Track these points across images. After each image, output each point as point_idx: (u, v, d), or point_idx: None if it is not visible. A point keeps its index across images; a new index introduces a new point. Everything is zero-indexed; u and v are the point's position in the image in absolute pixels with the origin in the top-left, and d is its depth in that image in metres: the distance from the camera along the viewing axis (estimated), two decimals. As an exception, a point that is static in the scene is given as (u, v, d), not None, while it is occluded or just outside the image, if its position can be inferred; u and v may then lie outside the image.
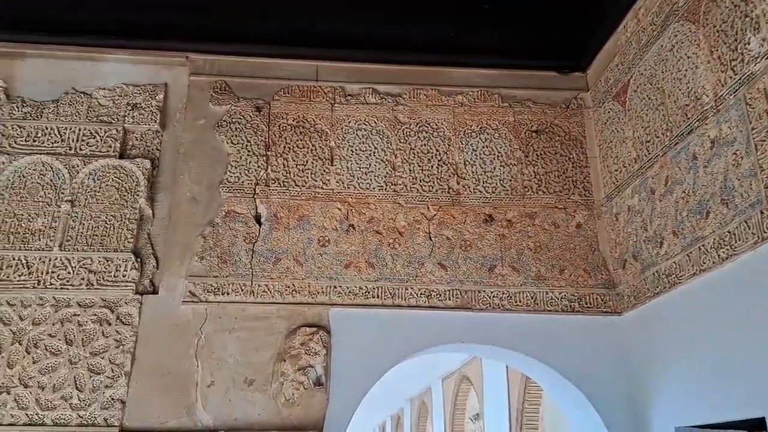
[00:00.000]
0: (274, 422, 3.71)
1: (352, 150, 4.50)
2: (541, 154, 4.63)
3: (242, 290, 4.03)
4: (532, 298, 4.18)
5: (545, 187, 4.52)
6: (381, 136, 4.56)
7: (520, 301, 4.16)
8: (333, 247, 4.20)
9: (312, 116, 4.57)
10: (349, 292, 4.08)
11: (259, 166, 4.37)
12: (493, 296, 4.15)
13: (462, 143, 4.60)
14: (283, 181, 4.35)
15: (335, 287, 4.09)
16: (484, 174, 4.51)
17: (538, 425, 6.85)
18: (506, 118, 4.71)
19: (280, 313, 4.00)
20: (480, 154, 4.58)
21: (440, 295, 4.11)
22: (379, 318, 4.03)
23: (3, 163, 4.22)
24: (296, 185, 4.35)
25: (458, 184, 4.46)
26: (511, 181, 4.51)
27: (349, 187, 4.38)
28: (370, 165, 4.46)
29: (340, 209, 4.30)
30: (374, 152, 4.51)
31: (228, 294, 4.01)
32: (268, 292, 4.04)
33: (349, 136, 4.54)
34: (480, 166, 4.54)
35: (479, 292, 4.15)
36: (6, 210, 4.12)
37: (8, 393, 3.72)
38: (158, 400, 3.75)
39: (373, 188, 4.39)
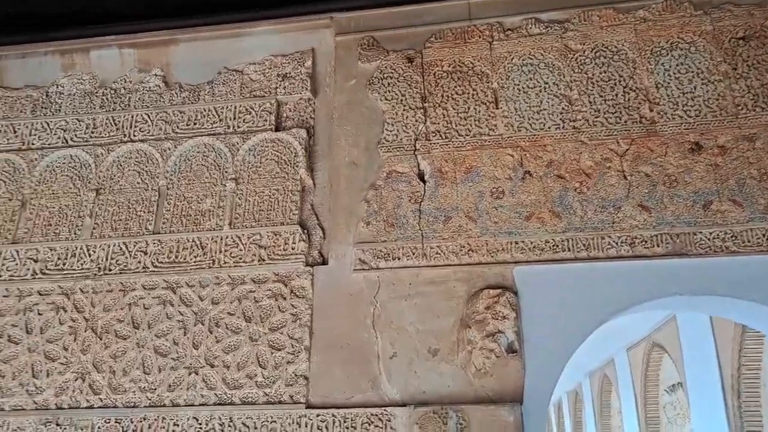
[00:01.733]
0: (466, 394, 3.34)
1: (518, 89, 3.98)
2: (753, 65, 3.78)
3: (413, 254, 3.70)
4: (763, 235, 3.39)
5: (764, 103, 3.68)
6: (551, 69, 3.99)
7: (748, 241, 3.39)
8: (509, 199, 3.72)
9: (469, 59, 4.11)
10: (534, 246, 3.58)
11: (417, 120, 4.01)
12: (713, 237, 3.42)
13: (650, 64, 3.88)
14: (445, 133, 3.95)
15: (517, 243, 3.61)
16: (682, 96, 3.77)
17: (759, 392, 5.86)
18: (702, 28, 3.91)
19: (457, 276, 3.62)
20: (674, 73, 3.84)
21: (646, 242, 3.47)
22: (574, 274, 3.49)
23: (169, 149, 4.26)
24: (459, 135, 3.93)
25: (651, 111, 3.77)
26: (718, 100, 3.73)
27: (519, 130, 3.87)
28: (541, 102, 3.92)
29: (512, 155, 3.81)
30: (545, 88, 3.95)
31: (399, 259, 3.70)
32: (442, 254, 3.67)
33: (513, 74, 4.02)
34: (676, 87, 3.80)
35: (695, 234, 3.45)
36: (176, 194, 4.15)
37: (196, 373, 3.72)
38: (341, 374, 3.55)
39: (549, 128, 3.84)
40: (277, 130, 4.19)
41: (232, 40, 4.49)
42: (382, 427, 3.34)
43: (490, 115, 3.94)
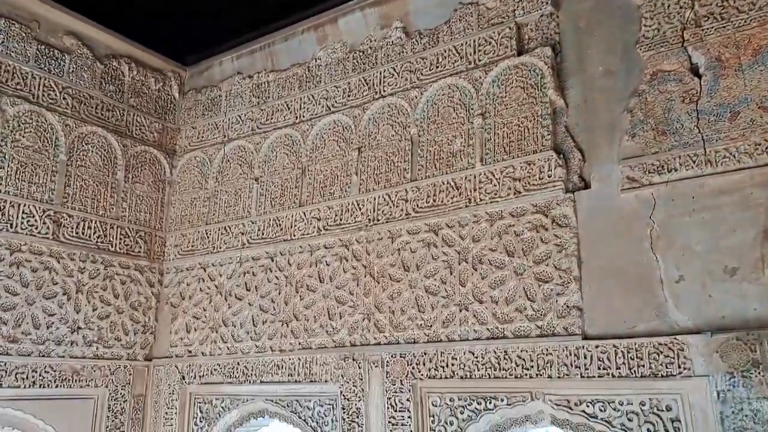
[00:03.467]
0: (780, 317, 2.76)
1: (819, -66, 3.08)
2: None
3: (693, 162, 3.16)
4: None
5: None
6: None
7: None
8: (820, 74, 2.93)
9: None
10: None
11: (681, 6, 3.39)
12: None
13: None
14: (720, 14, 3.27)
15: (837, 128, 2.83)
16: None
17: None
18: None
19: (755, 181, 2.99)
20: None
21: None
22: None
23: (416, 97, 4.33)
24: (740, 12, 3.21)
25: None
26: None
27: (828, -15, 3.01)
28: None
29: (819, 20, 2.99)
30: None
31: (676, 170, 3.20)
32: (731, 157, 3.06)
33: None
34: None
35: None
36: (427, 139, 4.21)
37: (467, 310, 3.76)
38: (618, 303, 3.23)
39: None
40: (519, 54, 3.94)
41: (463, -28, 4.35)
42: (672, 357, 2.96)
43: (780, -23, 3.14)
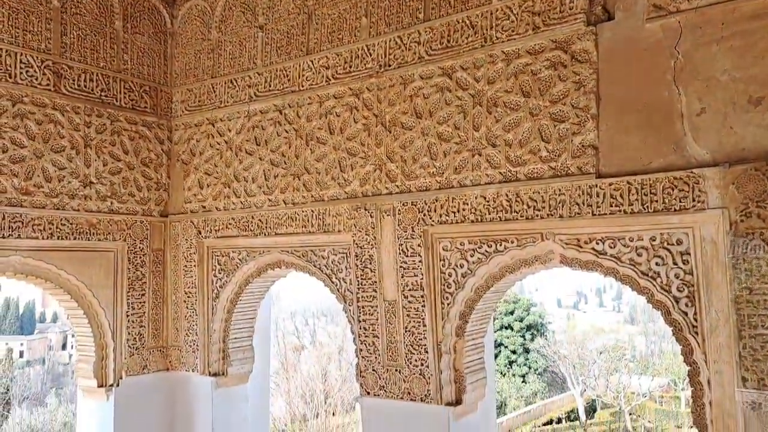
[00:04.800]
0: (806, 144, 2.66)
1: None
2: None
3: (731, -16, 2.92)
4: None
5: None
6: None
7: None
8: None
9: None
10: None
11: None
12: None
13: None
14: None
15: None
16: None
17: None
18: None
19: (793, 2, 2.77)
20: None
21: None
22: None
23: (428, -72, 3.98)
24: None
25: None
26: None
27: None
28: None
29: None
30: None
31: (711, -6, 2.97)
32: (771, -23, 2.82)
33: None
34: None
35: None
36: (440, -25, 3.93)
37: (479, 155, 3.69)
38: (635, 139, 3.14)
39: None
40: None
41: None
42: (687, 191, 2.92)
43: None
